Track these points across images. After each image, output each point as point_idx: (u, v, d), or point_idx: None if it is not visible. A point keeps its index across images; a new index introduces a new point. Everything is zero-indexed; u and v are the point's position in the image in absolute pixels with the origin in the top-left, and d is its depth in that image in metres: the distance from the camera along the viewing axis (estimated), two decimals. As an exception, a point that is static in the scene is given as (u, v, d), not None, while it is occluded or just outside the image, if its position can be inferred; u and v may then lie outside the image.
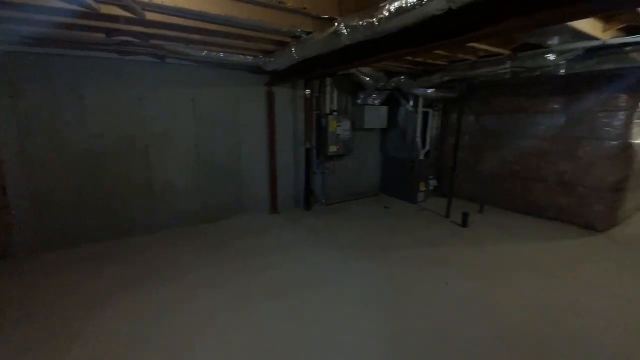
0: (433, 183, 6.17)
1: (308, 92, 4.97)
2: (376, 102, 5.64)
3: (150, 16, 2.27)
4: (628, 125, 4.03)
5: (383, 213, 5.35)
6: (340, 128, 5.26)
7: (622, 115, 4.04)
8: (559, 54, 3.43)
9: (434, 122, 6.03)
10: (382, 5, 1.98)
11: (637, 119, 4.08)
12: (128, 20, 2.40)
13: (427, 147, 5.88)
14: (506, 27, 1.78)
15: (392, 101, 5.79)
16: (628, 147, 4.06)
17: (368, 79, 4.93)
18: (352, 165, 5.95)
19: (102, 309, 2.62)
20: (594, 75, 4.04)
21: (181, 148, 4.25)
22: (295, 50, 3.01)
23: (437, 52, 3.83)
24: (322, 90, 5.19)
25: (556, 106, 4.61)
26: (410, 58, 4.17)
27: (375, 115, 5.64)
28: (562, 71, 3.62)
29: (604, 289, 2.97)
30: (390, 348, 2.23)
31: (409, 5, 1.82)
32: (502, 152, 5.30)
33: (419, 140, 5.66)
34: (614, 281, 3.12)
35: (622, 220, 4.62)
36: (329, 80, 5.08)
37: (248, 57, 3.76)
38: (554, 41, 3.18)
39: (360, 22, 2.16)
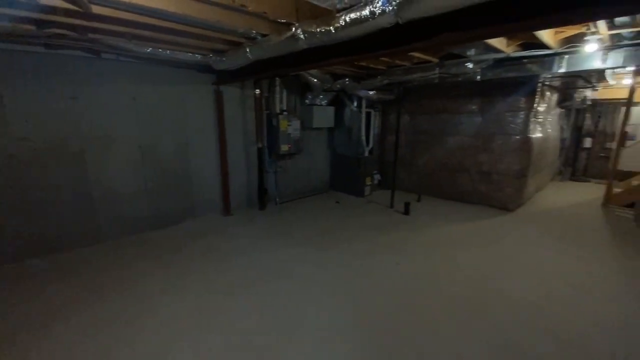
0: (377, 177, 6.69)
1: (257, 91, 5.01)
2: (323, 102, 5.91)
3: (97, 9, 2.13)
4: (527, 123, 4.96)
5: (334, 207, 5.66)
6: (290, 127, 5.40)
7: (522, 115, 4.95)
8: (475, 62, 4.09)
9: (375, 122, 6.55)
10: (338, 15, 2.20)
11: (533, 117, 5.05)
12: (67, 12, 2.21)
13: (371, 145, 6.37)
14: (441, 40, 2.13)
15: (338, 102, 6.13)
16: (527, 141, 5.00)
17: (315, 80, 5.16)
18: (303, 164, 6.14)
19: (48, 330, 2.37)
20: (501, 82, 4.88)
21: (123, 150, 3.94)
22: (250, 50, 3.07)
23: (381, 58, 4.24)
24: (271, 90, 5.26)
25: (474, 107, 5.42)
26: (356, 62, 4.52)
27: (323, 115, 5.91)
28: (478, 77, 4.31)
29: (519, 257, 3.66)
30: (357, 318, 2.47)
31: (362, 17, 2.06)
32: (433, 148, 6.03)
33: (363, 138, 6.10)
34: (526, 250, 3.85)
35: (526, 200, 5.65)
36: (277, 80, 5.18)
37: (196, 55, 3.67)
38: (472, 52, 3.80)
39: (318, 29, 2.34)
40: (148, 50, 3.28)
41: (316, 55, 2.85)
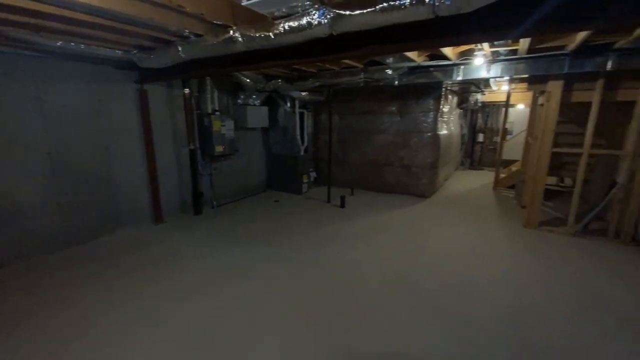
0: (313, 175, 7.00)
1: (187, 91, 4.79)
2: (256, 102, 5.93)
3: (0, -4, 1.86)
4: (435, 122, 5.83)
5: (274, 206, 5.76)
6: (224, 127, 5.30)
7: (431, 115, 5.80)
8: (394, 70, 4.66)
9: (308, 121, 6.83)
10: (277, 22, 2.34)
11: (439, 117, 5.95)
12: (-45, -5, 1.88)
13: (305, 144, 6.63)
14: (367, 51, 2.46)
15: (271, 102, 6.23)
16: (436, 137, 5.87)
17: (248, 80, 5.18)
18: (239, 164, 6.07)
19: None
20: (415, 87, 5.63)
21: (29, 157, 3.39)
22: (182, 49, 2.98)
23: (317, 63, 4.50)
24: (201, 90, 5.09)
25: (394, 108, 6.12)
26: (293, 66, 4.70)
27: (257, 114, 5.94)
28: (396, 82, 4.91)
29: (437, 235, 4.33)
30: (310, 303, 2.67)
31: (300, 26, 2.25)
32: (362, 146, 6.59)
33: (298, 137, 6.33)
34: (441, 229, 4.56)
35: (438, 187, 6.62)
36: (208, 80, 5.03)
37: (117, 51, 3.38)
38: (390, 60, 4.34)
39: (257, 34, 2.45)
40: (58, 44, 2.91)
41: (254, 58, 2.94)
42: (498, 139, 9.51)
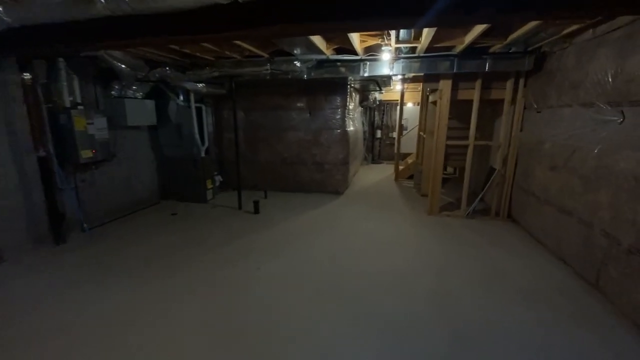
0: (219, 179, 6.19)
1: (27, 76, 3.46)
2: (138, 94, 4.81)
3: None
4: (343, 119, 5.86)
5: (172, 220, 4.80)
6: (92, 126, 4.08)
7: (339, 112, 5.80)
8: (302, 62, 4.38)
9: (208, 118, 5.99)
10: (155, -24, 1.71)
11: (346, 114, 6.01)
12: None
13: (207, 144, 5.80)
14: (274, 31, 2.06)
15: (159, 94, 5.17)
16: (345, 134, 5.92)
17: (123, 66, 4.11)
18: (120, 173, 4.84)
19: None
20: (323, 82, 5.51)
21: None
22: (5, 11, 1.98)
23: (205, 44, 3.81)
24: (52, 76, 3.77)
25: (303, 104, 5.89)
26: (176, 48, 3.88)
27: (140, 110, 4.83)
28: (305, 76, 4.66)
29: (355, 230, 4.26)
30: (233, 345, 2.13)
31: (191, -15, 1.68)
32: (272, 144, 6.16)
33: (197, 137, 5.45)
34: (356, 226, 4.54)
35: (350, 183, 6.75)
36: (62, 63, 3.75)
37: None
38: (298, 51, 4.03)
39: (126, -9, 1.75)
40: None
41: (124, 29, 2.18)
42: (394, 134, 10.48)
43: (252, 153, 6.30)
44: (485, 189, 4.76)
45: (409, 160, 8.15)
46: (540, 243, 3.82)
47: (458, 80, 4.49)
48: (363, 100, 8.16)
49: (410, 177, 7.48)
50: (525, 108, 4.34)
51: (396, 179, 7.49)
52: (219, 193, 6.07)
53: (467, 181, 4.72)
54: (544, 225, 3.72)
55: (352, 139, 6.47)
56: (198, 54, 4.28)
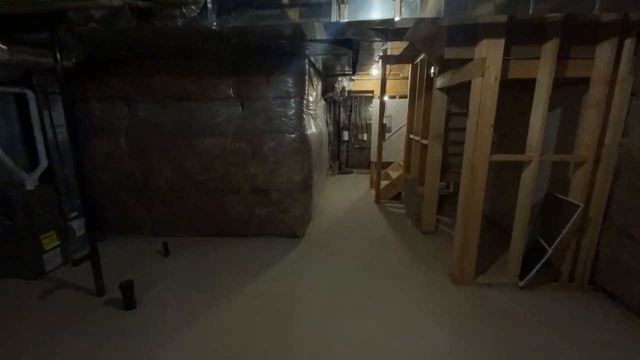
0: (79, 225, 3.48)
1: None
2: None
3: None
4: (300, 115, 3.51)
5: None
6: None
7: (293, 104, 3.44)
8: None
9: (43, 115, 3.23)
10: None
11: (305, 108, 3.68)
12: None
13: (44, 163, 3.08)
14: None
15: None
16: (305, 139, 3.58)
17: None
18: None
19: None
20: (261, 49, 3.12)
21: None
22: None
23: None
24: None
25: (229, 90, 3.42)
26: None
27: None
28: (214, 24, 2.20)
29: (344, 353, 1.95)
30: None
31: None
32: (178, 156, 3.59)
33: (4, 156, 2.72)
34: (347, 328, 2.23)
35: (313, 215, 4.42)
36: None
37: None
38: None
39: None
40: None
41: None
42: (364, 136, 8.39)
43: (144, 173, 3.68)
44: (559, 239, 2.70)
45: (390, 171, 6.07)
46: None
47: (512, 41, 2.40)
48: (326, 90, 5.88)
49: (396, 197, 5.39)
50: (633, 95, 2.37)
51: (378, 200, 5.34)
52: (78, 252, 3.36)
53: (522, 227, 2.65)
54: None
55: (316, 147, 4.17)
56: None
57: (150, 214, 3.76)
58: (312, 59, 3.87)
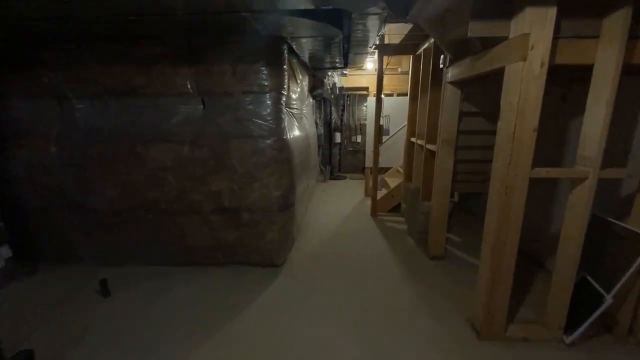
0: (6, 253, 2.72)
1: None
2: None
3: None
4: (278, 114, 2.78)
5: None
6: None
7: (269, 99, 2.71)
8: None
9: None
10: None
11: (285, 106, 2.96)
12: None
13: None
14: None
15: None
16: (285, 145, 2.85)
17: None
18: None
19: None
20: (222, 28, 2.39)
21: None
22: None
23: None
24: None
25: (186, 83, 2.68)
26: None
27: None
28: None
29: None
30: None
31: None
32: (122, 169, 2.83)
33: None
34: None
35: (297, 235, 3.70)
36: None
37: None
38: None
39: None
40: None
41: None
42: (358, 138, 7.70)
43: (82, 189, 2.90)
44: (621, 284, 2.01)
45: (388, 179, 5.39)
46: None
47: (561, 13, 1.71)
48: (315, 87, 5.16)
49: (395, 209, 4.71)
50: None
51: (374, 212, 4.65)
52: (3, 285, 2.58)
53: (569, 265, 1.97)
54: None
55: (300, 154, 3.45)
56: None
57: (91, 240, 2.99)
58: (294, 46, 3.16)
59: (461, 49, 2.53)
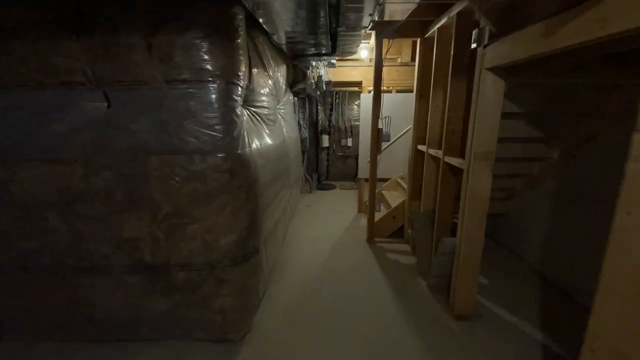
0: None
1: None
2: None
3: None
4: (229, 116, 1.78)
5: None
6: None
7: (212, 93, 1.70)
8: None
9: None
10: None
11: (244, 101, 1.97)
12: None
13: None
14: None
15: None
16: (242, 166, 1.85)
17: None
18: None
19: None
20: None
21: None
22: None
23: None
24: None
25: (76, 65, 1.64)
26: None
27: None
28: None
29: None
30: None
31: None
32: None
33: None
34: None
35: (263, 292, 2.70)
36: None
37: None
38: None
39: None
40: None
41: None
42: (348, 141, 6.75)
43: None
44: None
45: (386, 193, 4.45)
46: None
47: None
48: (296, 80, 4.16)
49: (397, 233, 3.77)
50: None
51: (371, 238, 3.69)
52: None
53: None
54: None
55: (273, 172, 2.45)
56: None
57: (-60, 312, 1.92)
58: (261, 20, 2.15)
59: (514, 15, 1.60)
